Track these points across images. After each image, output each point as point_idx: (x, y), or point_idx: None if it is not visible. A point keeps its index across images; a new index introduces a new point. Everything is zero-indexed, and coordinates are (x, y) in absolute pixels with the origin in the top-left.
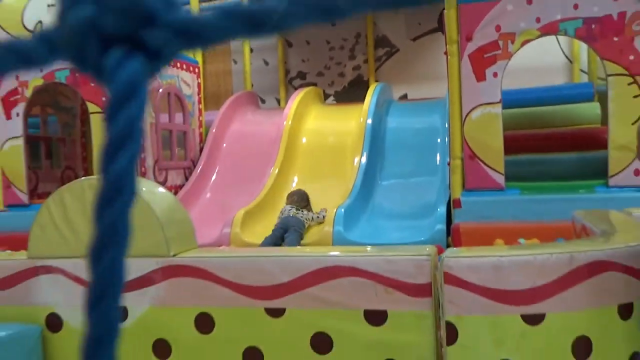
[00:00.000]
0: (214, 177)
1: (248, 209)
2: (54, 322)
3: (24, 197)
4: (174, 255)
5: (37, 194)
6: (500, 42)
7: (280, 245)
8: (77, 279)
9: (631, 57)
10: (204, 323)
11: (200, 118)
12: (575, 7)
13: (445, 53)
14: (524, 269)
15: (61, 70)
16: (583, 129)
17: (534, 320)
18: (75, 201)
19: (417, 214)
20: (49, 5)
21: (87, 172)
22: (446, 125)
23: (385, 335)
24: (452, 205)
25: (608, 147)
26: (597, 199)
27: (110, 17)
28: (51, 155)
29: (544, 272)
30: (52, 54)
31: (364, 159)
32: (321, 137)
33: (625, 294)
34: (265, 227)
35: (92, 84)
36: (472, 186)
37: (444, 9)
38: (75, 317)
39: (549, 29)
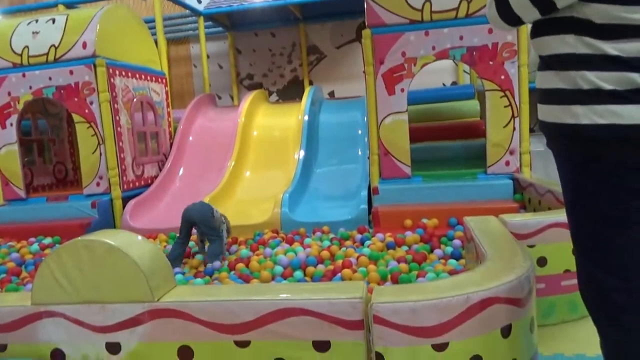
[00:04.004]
0: (182, 168)
1: (212, 195)
2: (57, 356)
3: (22, 192)
4: (157, 300)
5: (32, 187)
6: (406, 65)
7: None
8: (75, 321)
9: (502, 77)
10: (185, 354)
11: (169, 119)
12: (461, 38)
13: (364, 72)
14: (433, 310)
15: (48, 87)
16: (466, 122)
17: (440, 347)
18: (71, 258)
19: (345, 196)
20: (33, 32)
21: (75, 165)
22: (365, 119)
23: (329, 359)
24: (371, 192)
25: (486, 144)
26: (479, 185)
27: None
28: (43, 153)
29: (447, 311)
30: None
31: (302, 152)
32: (269, 130)
33: (506, 319)
34: (225, 210)
35: (76, 99)
36: (387, 176)
37: (360, 23)
38: (75, 351)
39: (442, 55)
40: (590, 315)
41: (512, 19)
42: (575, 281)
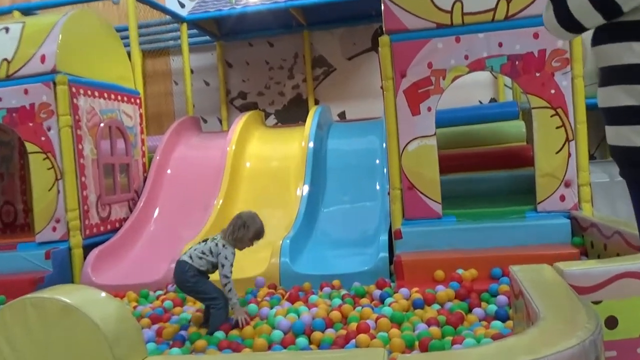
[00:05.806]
0: (158, 208)
1: (195, 242)
2: None
3: None
4: None
5: None
6: (433, 78)
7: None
8: None
9: (552, 91)
10: None
11: (143, 148)
12: (500, 45)
13: (382, 88)
14: None
15: None
16: (510, 147)
17: None
18: (16, 320)
19: (360, 241)
20: None
21: (26, 205)
22: (384, 146)
23: None
24: (393, 236)
25: (535, 175)
26: (528, 226)
27: None
28: None
29: None
30: None
31: (306, 187)
32: (265, 161)
33: None
34: None
35: (31, 124)
36: (411, 216)
37: (377, 29)
38: None
39: (477, 66)
40: None
41: (572, 26)
42: None
